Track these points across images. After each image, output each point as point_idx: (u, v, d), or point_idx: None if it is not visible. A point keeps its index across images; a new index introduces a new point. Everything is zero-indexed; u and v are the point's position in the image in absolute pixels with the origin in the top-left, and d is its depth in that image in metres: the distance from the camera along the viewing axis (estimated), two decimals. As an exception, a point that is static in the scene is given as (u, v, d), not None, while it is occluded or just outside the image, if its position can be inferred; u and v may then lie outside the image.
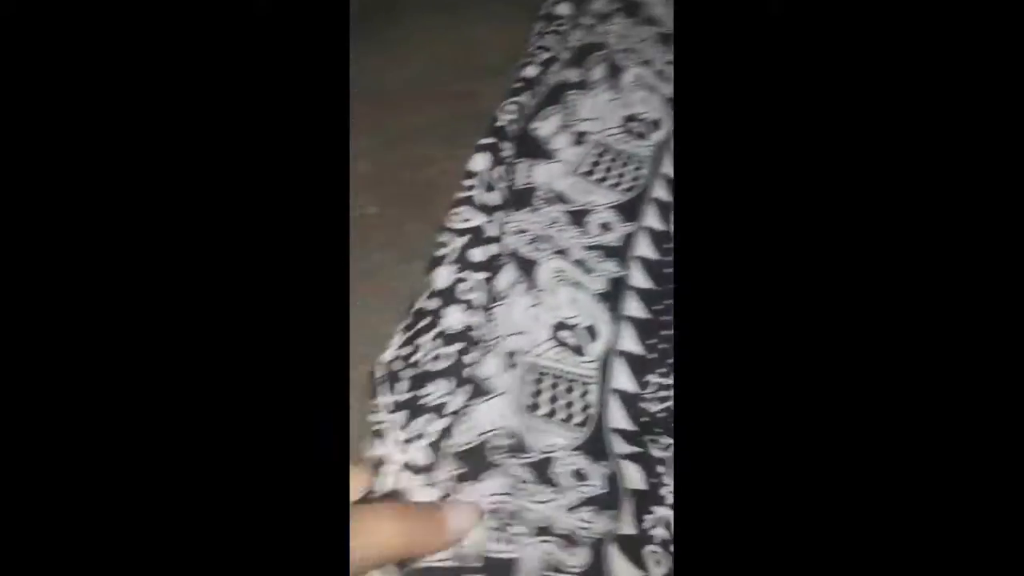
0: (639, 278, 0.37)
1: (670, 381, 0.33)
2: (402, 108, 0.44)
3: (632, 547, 0.28)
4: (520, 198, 0.38)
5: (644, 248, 0.38)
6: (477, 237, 0.35)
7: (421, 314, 0.34)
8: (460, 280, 0.34)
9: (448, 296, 0.33)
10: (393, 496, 0.28)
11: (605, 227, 0.38)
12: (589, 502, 0.29)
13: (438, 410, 0.30)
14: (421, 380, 0.31)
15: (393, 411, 0.30)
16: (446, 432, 0.30)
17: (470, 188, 0.37)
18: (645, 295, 0.36)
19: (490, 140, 0.38)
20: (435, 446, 0.30)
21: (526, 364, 0.33)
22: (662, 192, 0.40)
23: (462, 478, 0.29)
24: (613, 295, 0.36)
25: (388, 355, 0.32)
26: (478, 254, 0.35)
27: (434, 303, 0.34)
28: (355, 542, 0.21)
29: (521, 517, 0.28)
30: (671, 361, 0.34)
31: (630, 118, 0.43)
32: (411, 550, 0.25)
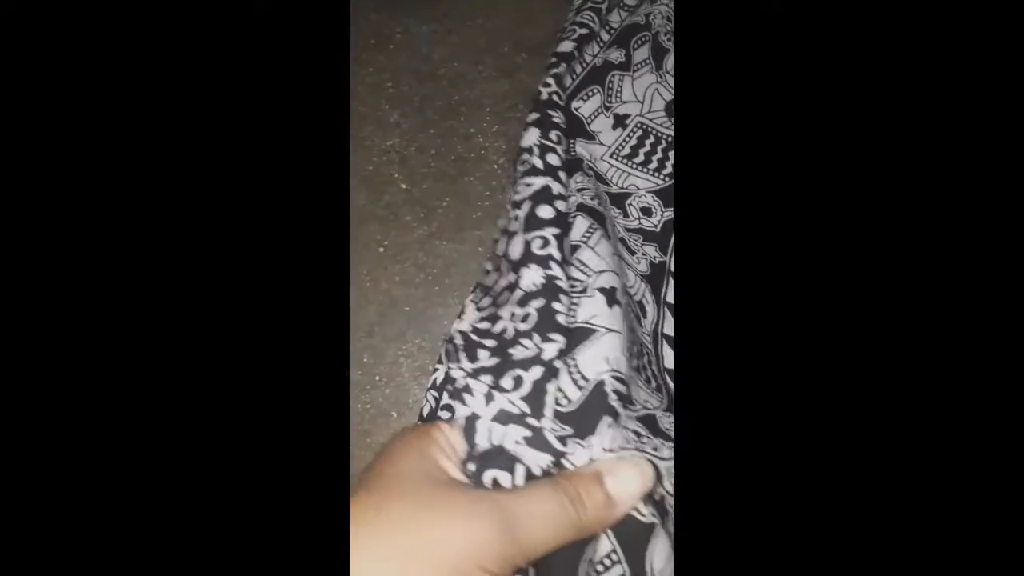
0: None
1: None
2: (444, 82, 0.44)
3: None
4: (572, 165, 0.37)
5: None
6: (544, 195, 0.32)
7: (490, 284, 0.32)
8: (531, 242, 0.30)
9: (524, 259, 0.30)
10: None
11: (646, 212, 0.38)
12: None
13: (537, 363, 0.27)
14: (509, 343, 0.28)
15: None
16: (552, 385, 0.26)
17: (524, 162, 0.35)
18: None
19: (536, 115, 0.37)
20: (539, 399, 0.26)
21: (624, 302, 0.31)
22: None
23: (579, 433, 0.26)
24: (655, 279, 0.35)
25: (463, 324, 0.30)
26: (547, 211, 0.31)
27: (505, 269, 0.31)
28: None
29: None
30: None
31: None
32: (582, 535, 0.22)
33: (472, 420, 0.26)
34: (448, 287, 0.39)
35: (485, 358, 0.28)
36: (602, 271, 0.31)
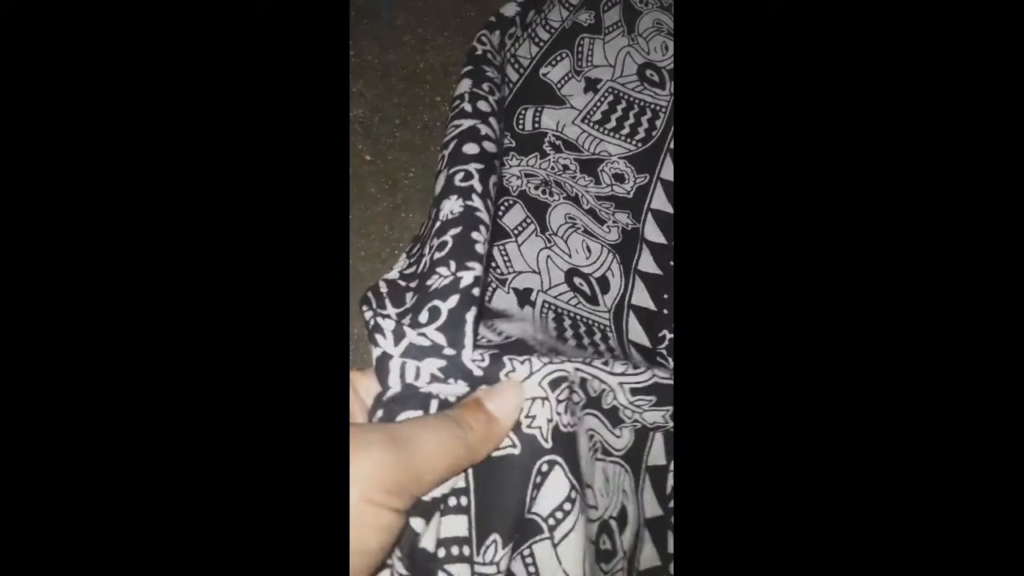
0: (653, 232, 0.35)
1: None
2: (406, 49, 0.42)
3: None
4: (528, 143, 0.36)
5: (659, 201, 0.36)
6: (470, 134, 0.30)
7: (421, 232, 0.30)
8: (453, 175, 0.29)
9: (444, 192, 0.29)
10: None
11: (618, 178, 0.37)
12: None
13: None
14: (427, 275, 0.26)
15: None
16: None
17: (454, 107, 0.33)
18: (657, 250, 0.35)
19: (470, 67, 0.35)
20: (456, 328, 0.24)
21: (541, 302, 0.31)
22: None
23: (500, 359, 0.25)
24: (626, 247, 0.34)
25: (392, 274, 0.29)
26: (472, 147, 0.30)
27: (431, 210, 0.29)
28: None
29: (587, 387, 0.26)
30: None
31: (646, 65, 0.41)
32: (473, 456, 0.22)
33: (383, 360, 0.24)
34: (416, 261, 0.38)
35: (409, 299, 0.26)
36: (521, 272, 0.31)
